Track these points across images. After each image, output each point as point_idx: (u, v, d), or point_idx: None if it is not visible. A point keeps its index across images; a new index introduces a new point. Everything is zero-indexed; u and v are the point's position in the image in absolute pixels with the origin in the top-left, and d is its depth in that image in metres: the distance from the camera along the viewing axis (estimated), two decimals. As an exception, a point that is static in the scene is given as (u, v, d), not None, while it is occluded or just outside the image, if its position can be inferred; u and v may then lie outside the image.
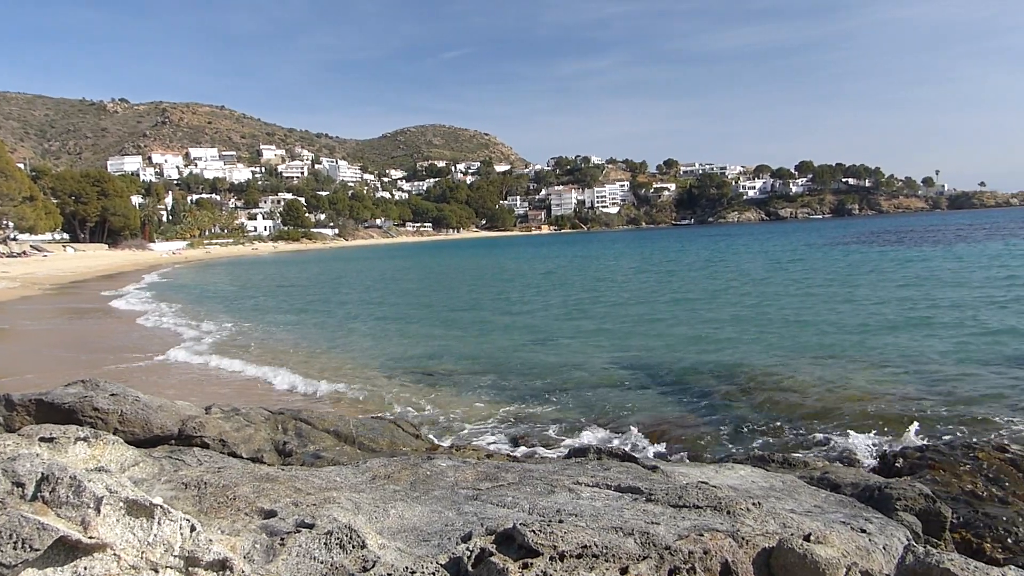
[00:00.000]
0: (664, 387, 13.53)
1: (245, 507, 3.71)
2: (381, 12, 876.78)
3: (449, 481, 4.65)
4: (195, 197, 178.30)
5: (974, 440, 8.63)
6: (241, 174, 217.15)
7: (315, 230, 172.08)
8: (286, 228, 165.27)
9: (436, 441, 10.43)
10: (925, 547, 3.40)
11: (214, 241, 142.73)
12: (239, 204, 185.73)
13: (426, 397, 13.83)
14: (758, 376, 13.84)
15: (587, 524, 3.27)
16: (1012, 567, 2.89)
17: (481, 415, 12.25)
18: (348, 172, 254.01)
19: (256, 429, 8.81)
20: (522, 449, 9.60)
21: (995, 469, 7.57)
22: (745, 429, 10.56)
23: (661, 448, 9.70)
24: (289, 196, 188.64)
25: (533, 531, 2.96)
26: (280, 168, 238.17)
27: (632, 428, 10.63)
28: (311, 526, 3.30)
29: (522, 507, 3.98)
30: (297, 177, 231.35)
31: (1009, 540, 6.07)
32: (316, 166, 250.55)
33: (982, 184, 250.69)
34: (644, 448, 9.60)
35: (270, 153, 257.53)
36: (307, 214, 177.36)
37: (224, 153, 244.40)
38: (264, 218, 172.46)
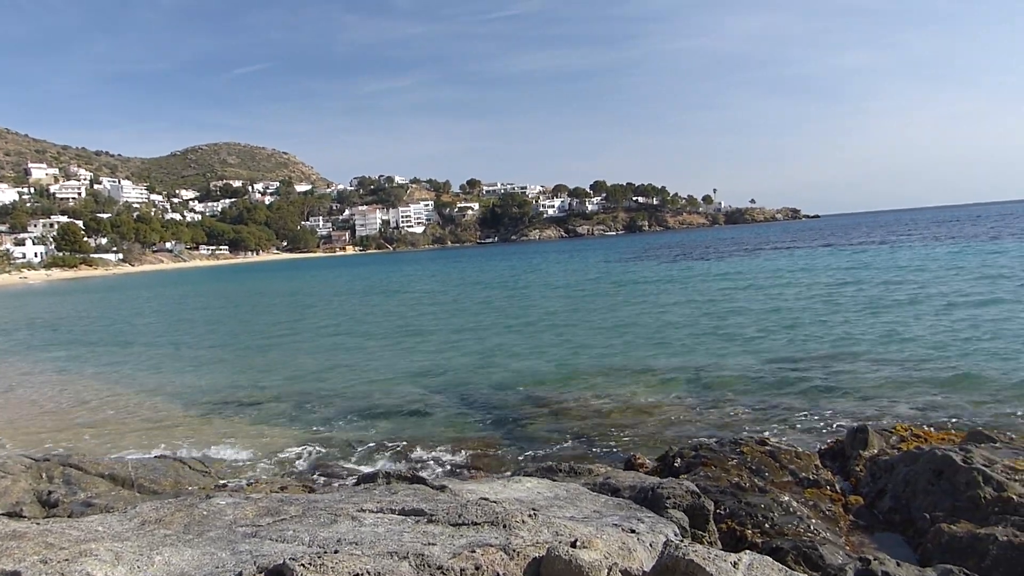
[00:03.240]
0: (464, 407, 13.71)
1: (-20, 571, 3.31)
2: (167, 23, 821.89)
3: (227, 520, 4.42)
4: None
5: (740, 436, 9.46)
6: (5, 195, 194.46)
7: (96, 255, 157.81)
8: (61, 254, 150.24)
9: (227, 477, 9.90)
10: (681, 540, 3.68)
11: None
12: (3, 229, 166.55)
13: (220, 430, 13.12)
14: (553, 392, 14.39)
15: (363, 552, 3.24)
16: (747, 552, 3.20)
17: (280, 445, 11.78)
18: (133, 192, 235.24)
19: (14, 480, 7.93)
20: (319, 478, 9.33)
21: (757, 461, 8.35)
22: (539, 442, 10.94)
23: (457, 467, 9.81)
24: (64, 219, 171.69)
25: (303, 565, 2.88)
26: (53, 189, 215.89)
27: (430, 449, 10.68)
28: (57, 585, 3.01)
29: (302, 540, 3.87)
30: (73, 198, 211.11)
31: (767, 525, 6.71)
32: (96, 186, 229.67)
33: (752, 201, 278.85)
34: (440, 468, 9.67)
35: (40, 172, 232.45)
36: (86, 238, 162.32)
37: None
38: (35, 243, 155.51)
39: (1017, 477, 5.97)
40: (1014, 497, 5.64)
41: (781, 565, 3.19)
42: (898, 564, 5.00)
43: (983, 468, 6.12)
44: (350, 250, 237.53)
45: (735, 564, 3.01)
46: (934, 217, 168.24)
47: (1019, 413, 10.81)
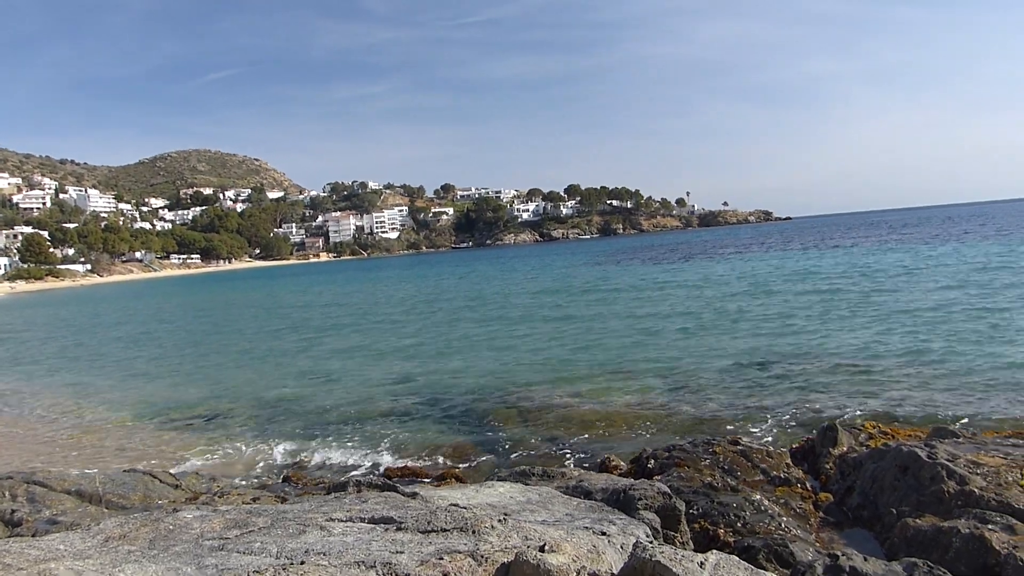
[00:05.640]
0: (438, 414, 13.66)
1: (-64, 593, 3.24)
2: (135, 27, 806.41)
3: (194, 533, 4.37)
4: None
5: (712, 436, 9.53)
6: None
7: (63, 266, 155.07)
8: (26, 266, 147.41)
9: (198, 490, 9.78)
10: (651, 542, 3.70)
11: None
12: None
13: (192, 443, 12.96)
14: (527, 396, 14.39)
15: (330, 562, 3.22)
16: (714, 552, 3.23)
17: (252, 457, 11.69)
18: (101, 201, 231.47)
19: (-24, 499, 7.76)
20: (292, 489, 9.25)
21: (729, 461, 8.41)
22: (513, 447, 10.94)
23: (430, 474, 9.77)
24: (29, 230, 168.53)
25: (267, 577, 2.85)
26: (16, 199, 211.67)
27: (404, 456, 10.64)
28: (16, 604, 2.95)
29: (269, 552, 3.83)
30: (38, 208, 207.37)
31: (739, 524, 6.77)
32: (61, 195, 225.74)
33: (725, 204, 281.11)
34: (414, 475, 9.63)
35: (2, 182, 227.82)
36: (52, 249, 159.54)
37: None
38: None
39: (979, 471, 6.08)
40: (976, 490, 5.74)
41: (747, 564, 3.22)
42: (865, 559, 5.06)
43: (947, 463, 6.22)
44: (324, 257, 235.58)
45: (702, 564, 3.04)
46: (900, 218, 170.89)
47: (982, 408, 11.01)
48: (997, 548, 5.04)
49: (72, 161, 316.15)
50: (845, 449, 8.43)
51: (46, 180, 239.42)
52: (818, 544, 6.52)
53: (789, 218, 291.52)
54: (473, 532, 3.66)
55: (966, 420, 10.32)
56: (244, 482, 10.19)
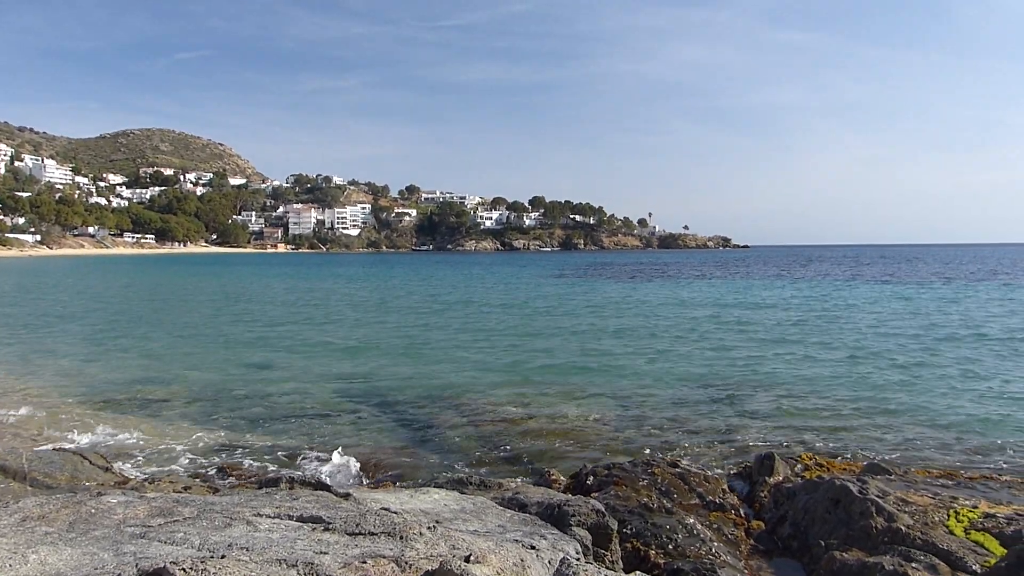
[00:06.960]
0: (383, 416, 13.54)
1: None
2: (104, 1, 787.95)
3: (116, 519, 4.25)
4: None
5: (653, 457, 9.60)
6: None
7: (12, 236, 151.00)
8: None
9: (131, 473, 9.55)
10: (579, 559, 3.70)
11: None
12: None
13: (131, 425, 12.66)
14: (476, 405, 14.35)
15: (251, 558, 3.16)
16: (638, 573, 3.24)
17: (190, 444, 11.45)
18: (57, 173, 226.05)
19: None
20: (226, 480, 9.07)
21: (667, 483, 8.47)
22: (456, 454, 10.89)
23: (368, 475, 9.68)
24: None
25: (183, 570, 2.79)
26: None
27: (345, 455, 10.51)
28: (-84, 581, 2.84)
29: (192, 543, 3.74)
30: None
31: (670, 546, 6.81)
32: (16, 163, 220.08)
33: (686, 227, 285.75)
34: (351, 475, 9.53)
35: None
36: (2, 217, 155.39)
37: None
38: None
39: (907, 509, 6.21)
40: (902, 528, 5.86)
41: (669, 587, 3.23)
42: (790, 589, 5.14)
43: (876, 499, 6.34)
44: (282, 248, 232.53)
45: (624, 584, 3.04)
46: (856, 254, 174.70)
47: (915, 446, 11.27)
48: (917, 586, 5.15)
49: (31, 129, 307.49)
50: (781, 479, 8.55)
51: (2, 146, 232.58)
52: (747, 572, 6.60)
53: (747, 246, 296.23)
54: (401, 537, 3.62)
55: (899, 456, 10.55)
56: (177, 469, 9.98)
